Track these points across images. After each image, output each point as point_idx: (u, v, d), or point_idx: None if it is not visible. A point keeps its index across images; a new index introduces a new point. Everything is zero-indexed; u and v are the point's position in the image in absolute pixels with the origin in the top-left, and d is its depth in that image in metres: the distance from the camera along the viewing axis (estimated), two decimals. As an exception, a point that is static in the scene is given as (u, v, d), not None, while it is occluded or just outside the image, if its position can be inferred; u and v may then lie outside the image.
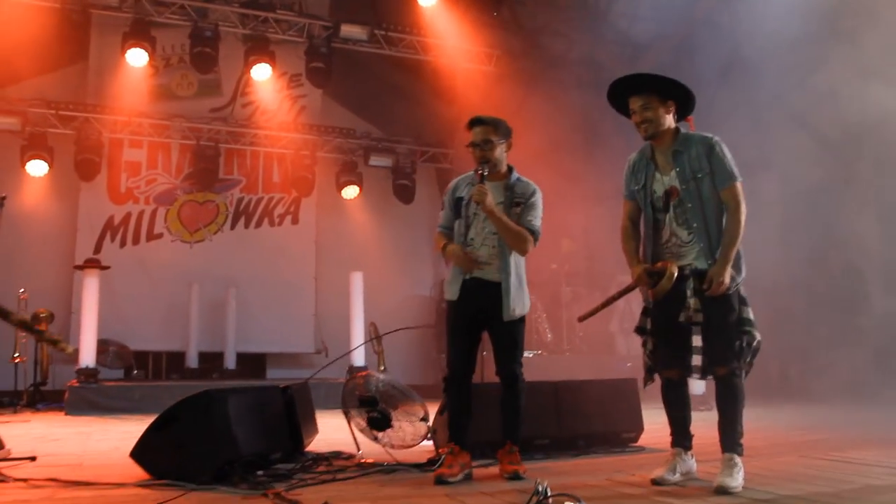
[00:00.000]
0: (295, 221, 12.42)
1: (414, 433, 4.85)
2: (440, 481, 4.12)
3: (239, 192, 12.23)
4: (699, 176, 4.02)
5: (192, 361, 10.94)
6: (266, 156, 12.39)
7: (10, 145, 10.84)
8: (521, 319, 4.44)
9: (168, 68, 11.72)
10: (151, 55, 10.69)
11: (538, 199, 4.49)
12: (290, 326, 11.90)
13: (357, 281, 10.54)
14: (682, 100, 4.15)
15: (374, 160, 12.35)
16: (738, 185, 4.00)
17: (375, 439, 4.84)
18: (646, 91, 4.10)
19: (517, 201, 4.43)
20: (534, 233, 4.40)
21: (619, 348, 11.80)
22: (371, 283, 10.90)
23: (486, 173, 4.36)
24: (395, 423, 4.81)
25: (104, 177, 11.43)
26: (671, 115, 4.14)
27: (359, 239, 12.49)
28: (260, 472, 4.22)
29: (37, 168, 10.87)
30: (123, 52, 10.49)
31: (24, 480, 4.15)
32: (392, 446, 4.81)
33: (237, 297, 11.35)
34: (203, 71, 11.12)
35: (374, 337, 10.29)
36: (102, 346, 9.88)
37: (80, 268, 9.95)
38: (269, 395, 4.99)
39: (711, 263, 3.95)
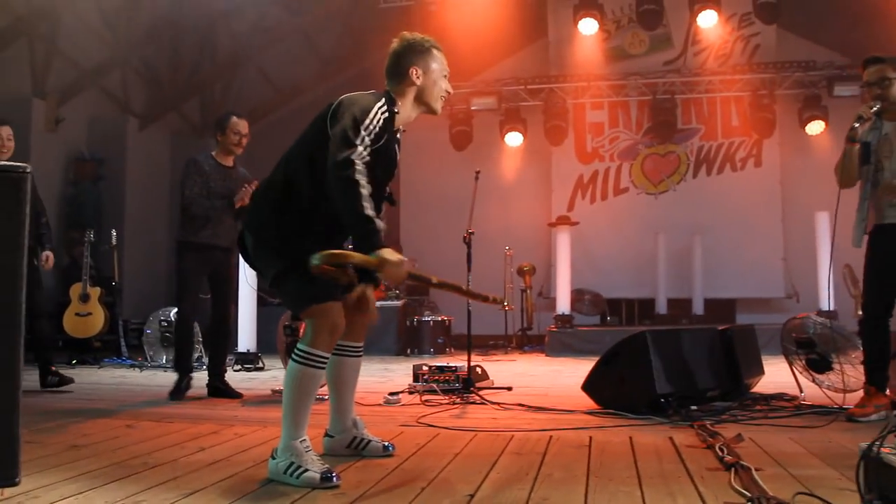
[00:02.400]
0: (758, 164, 12.17)
1: (857, 377, 4.72)
2: (849, 419, 4.12)
3: (699, 140, 12.36)
4: None
5: (662, 308, 11.44)
6: (723, 101, 12.30)
7: (490, 122, 12.40)
8: None
9: (619, 30, 12.26)
10: (601, 22, 11.33)
11: None
12: (758, 271, 11.76)
13: (822, 221, 10.05)
14: None
15: (840, 90, 11.44)
16: None
17: (815, 381, 4.82)
18: None
19: None
20: None
21: None
22: (841, 222, 10.25)
23: (876, 109, 4.23)
24: (835, 365, 4.73)
25: (571, 139, 12.45)
26: None
27: (826, 177, 11.68)
28: (694, 407, 4.52)
29: (513, 139, 12.39)
30: (575, 23, 11.30)
31: (498, 404, 5.03)
32: (833, 389, 4.74)
33: (702, 243, 11.52)
34: (651, 27, 11.45)
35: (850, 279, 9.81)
36: (578, 294, 10.97)
37: (554, 225, 11.10)
38: (706, 336, 5.23)
39: None
